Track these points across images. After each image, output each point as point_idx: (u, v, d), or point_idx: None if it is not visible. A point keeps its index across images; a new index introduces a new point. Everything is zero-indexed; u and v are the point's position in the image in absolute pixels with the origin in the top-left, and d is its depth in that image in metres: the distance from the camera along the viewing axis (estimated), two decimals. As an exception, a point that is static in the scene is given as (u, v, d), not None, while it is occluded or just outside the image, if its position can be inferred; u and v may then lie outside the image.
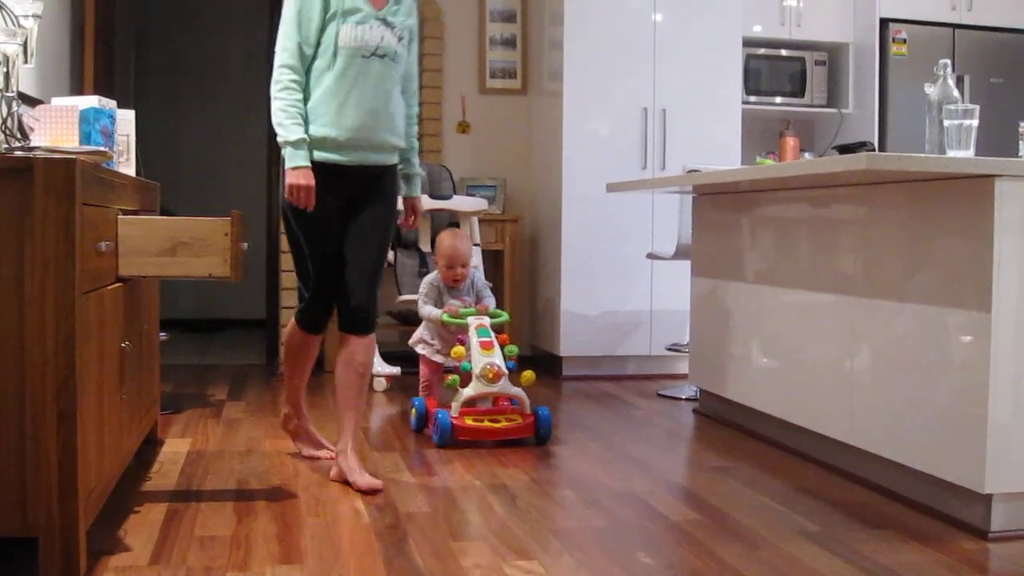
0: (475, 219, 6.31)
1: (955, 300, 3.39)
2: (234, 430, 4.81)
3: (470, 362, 4.60)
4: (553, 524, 3.38)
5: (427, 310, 4.88)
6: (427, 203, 6.04)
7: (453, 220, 6.37)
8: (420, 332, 5.01)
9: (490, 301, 4.96)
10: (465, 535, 3.25)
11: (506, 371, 4.60)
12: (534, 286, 7.11)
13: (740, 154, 6.64)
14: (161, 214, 4.24)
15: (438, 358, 4.93)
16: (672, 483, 3.96)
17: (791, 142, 6.68)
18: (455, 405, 4.57)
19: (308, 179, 3.67)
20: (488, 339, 4.65)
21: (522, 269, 7.08)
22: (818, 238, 4.23)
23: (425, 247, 6.25)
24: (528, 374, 4.74)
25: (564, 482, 3.99)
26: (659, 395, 5.95)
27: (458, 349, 4.66)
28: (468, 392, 4.57)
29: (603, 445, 4.61)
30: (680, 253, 5.77)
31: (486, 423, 4.56)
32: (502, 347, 4.67)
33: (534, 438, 4.60)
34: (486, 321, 4.73)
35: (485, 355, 4.59)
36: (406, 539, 3.18)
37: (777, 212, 4.60)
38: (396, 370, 5.93)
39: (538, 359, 6.99)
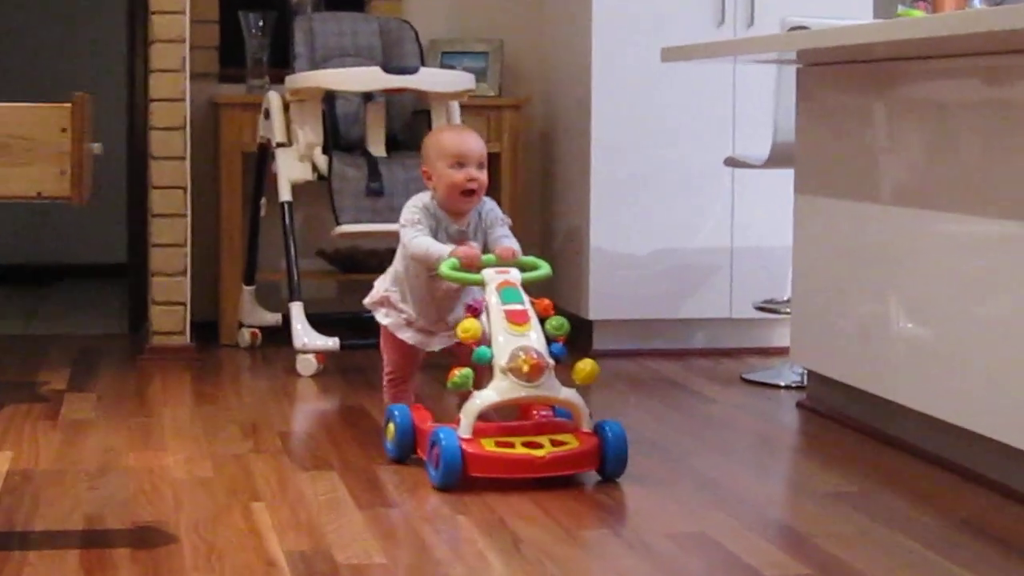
0: (455, 105, 6.31)
1: None
2: (80, 437, 4.82)
3: (490, 346, 4.18)
4: (580, 583, 3.40)
5: (422, 243, 4.45)
6: (379, 80, 6.02)
7: (421, 107, 6.35)
8: (384, 285, 4.66)
9: (511, 242, 4.53)
10: (442, 601, 3.27)
11: (551, 361, 4.24)
12: (548, 210, 7.10)
13: (872, 1, 6.61)
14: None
15: (408, 336, 4.59)
16: (766, 518, 3.98)
17: (953, -17, 6.65)
18: (466, 420, 4.15)
19: None
20: (521, 307, 4.23)
21: (529, 183, 7.07)
22: (996, 135, 4.21)
23: (377, 149, 6.24)
24: (587, 366, 4.32)
25: (594, 515, 4.02)
26: (744, 380, 6.00)
27: (470, 324, 4.21)
28: (489, 397, 4.16)
29: (657, 458, 4.64)
30: (777, 158, 5.76)
31: (519, 449, 4.14)
32: (543, 319, 4.30)
33: (598, 473, 4.25)
34: (515, 277, 4.33)
35: (517, 333, 4.16)
36: (350, 607, 3.20)
37: (929, 92, 4.58)
38: (332, 343, 5.92)
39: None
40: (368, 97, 6.28)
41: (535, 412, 4.36)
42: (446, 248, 4.36)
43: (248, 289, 6.66)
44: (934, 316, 4.54)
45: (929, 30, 3.95)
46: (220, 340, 6.65)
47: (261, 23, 6.80)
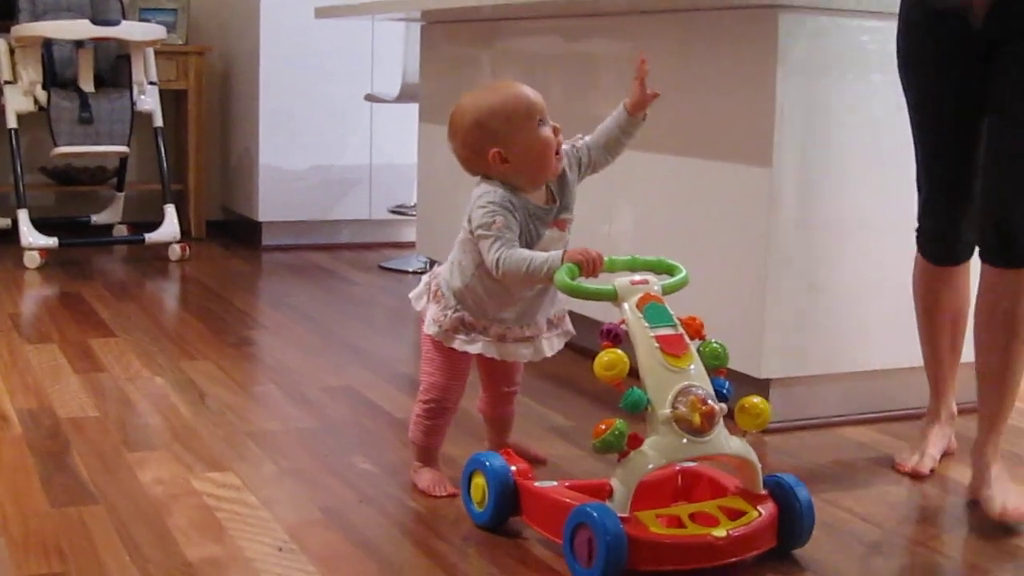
0: (150, 51, 6.16)
1: (731, 153, 3.46)
2: None
3: (645, 388, 2.50)
4: (251, 426, 3.39)
5: (517, 257, 2.67)
6: (88, 30, 5.84)
7: (123, 52, 6.17)
8: (446, 310, 2.97)
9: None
10: (143, 443, 3.21)
11: (722, 405, 2.51)
12: (226, 135, 6.97)
13: (478, -25, 6.63)
14: None
15: (479, 347, 2.92)
16: (397, 374, 3.99)
17: (539, -38, 6.70)
18: (623, 493, 2.45)
19: None
20: (674, 331, 2.56)
21: (211, 114, 6.93)
22: (573, 78, 4.25)
23: (87, 86, 6.05)
24: (759, 407, 2.57)
25: (264, 375, 4.01)
26: (381, 268, 6.00)
27: (614, 359, 2.52)
28: (656, 459, 2.48)
29: (313, 329, 4.62)
30: (405, 95, 5.76)
31: (691, 528, 2.49)
32: (698, 344, 2.62)
33: (777, 547, 2.57)
34: (655, 288, 2.63)
35: (675, 369, 2.52)
36: (68, 451, 3.12)
37: (524, 46, 4.60)
38: (52, 241, 5.75)
39: (232, 226, 6.88)
40: (79, 44, 6.10)
41: (681, 467, 2.75)
42: (554, 253, 2.64)
43: (-18, 198, 6.43)
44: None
45: (522, -3, 3.96)
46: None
47: (-11, -18, 6.52)
